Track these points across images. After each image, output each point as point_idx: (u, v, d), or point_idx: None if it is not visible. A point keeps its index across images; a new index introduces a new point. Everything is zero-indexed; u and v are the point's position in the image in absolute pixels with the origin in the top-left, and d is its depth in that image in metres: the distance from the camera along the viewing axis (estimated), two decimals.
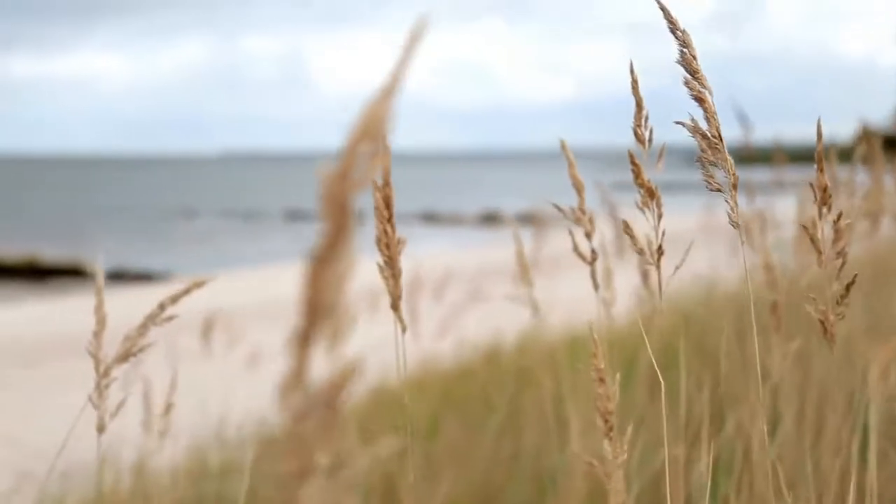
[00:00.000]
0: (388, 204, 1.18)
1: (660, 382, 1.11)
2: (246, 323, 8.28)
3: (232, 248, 29.02)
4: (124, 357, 1.38)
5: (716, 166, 1.14)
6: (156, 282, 20.62)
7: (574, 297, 5.11)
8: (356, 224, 0.47)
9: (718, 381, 1.96)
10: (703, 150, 1.14)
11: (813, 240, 1.23)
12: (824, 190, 1.25)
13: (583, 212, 1.35)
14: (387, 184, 1.18)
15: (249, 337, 7.56)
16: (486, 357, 5.99)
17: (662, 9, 1.15)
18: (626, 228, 1.19)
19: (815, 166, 1.25)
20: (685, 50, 1.14)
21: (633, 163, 1.17)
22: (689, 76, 1.14)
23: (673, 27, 1.14)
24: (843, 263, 1.20)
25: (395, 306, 1.22)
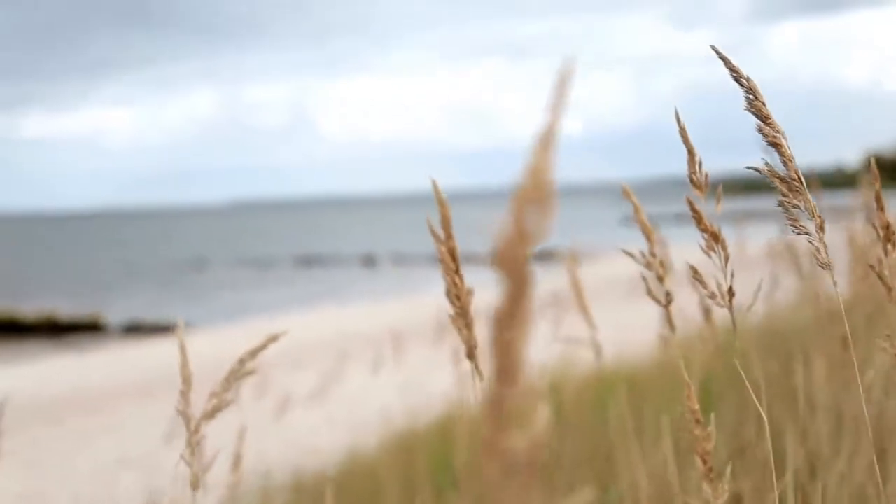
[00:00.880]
0: (453, 256, 1.19)
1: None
2: (271, 371, 8.26)
3: (246, 297, 29.05)
4: (212, 413, 1.37)
5: (798, 209, 1.14)
6: (172, 333, 20.62)
7: (601, 330, 5.08)
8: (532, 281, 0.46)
9: (795, 418, 1.93)
10: (783, 195, 1.14)
11: (881, 277, 1.22)
12: (887, 227, 1.25)
13: (654, 255, 1.34)
14: (450, 236, 1.19)
15: (277, 385, 7.54)
16: None
17: (723, 59, 1.15)
18: (695, 274, 1.19)
19: (876, 205, 1.25)
20: (752, 97, 1.14)
21: (693, 209, 1.18)
22: (761, 122, 1.14)
23: (737, 76, 1.15)
24: None
25: (470, 355, 1.21)
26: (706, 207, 1.21)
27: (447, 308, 1.25)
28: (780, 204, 1.13)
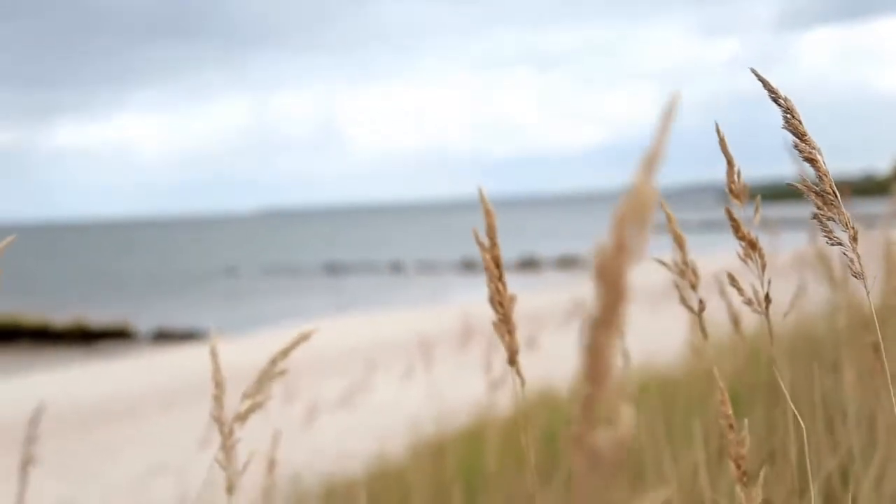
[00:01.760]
0: (497, 263, 1.22)
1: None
2: (300, 378, 8.30)
3: (275, 305, 29.21)
4: (246, 415, 1.39)
5: (834, 221, 1.17)
6: (201, 341, 20.79)
7: (635, 336, 5.07)
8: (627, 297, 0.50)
9: (828, 424, 1.92)
10: (818, 208, 1.17)
11: None
12: None
13: (686, 264, 1.36)
14: (494, 244, 1.22)
15: (305, 392, 7.58)
16: (543, 403, 5.94)
17: (761, 80, 1.18)
18: (733, 281, 1.21)
19: None
20: (790, 116, 1.17)
21: (731, 218, 1.20)
22: (797, 139, 1.17)
23: (775, 96, 1.18)
24: None
25: (511, 361, 1.24)
26: (743, 215, 1.23)
27: (488, 314, 1.28)
28: (815, 217, 1.16)
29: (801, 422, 1.07)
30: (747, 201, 1.26)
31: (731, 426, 1.05)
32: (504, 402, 6.06)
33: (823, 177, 1.16)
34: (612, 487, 0.45)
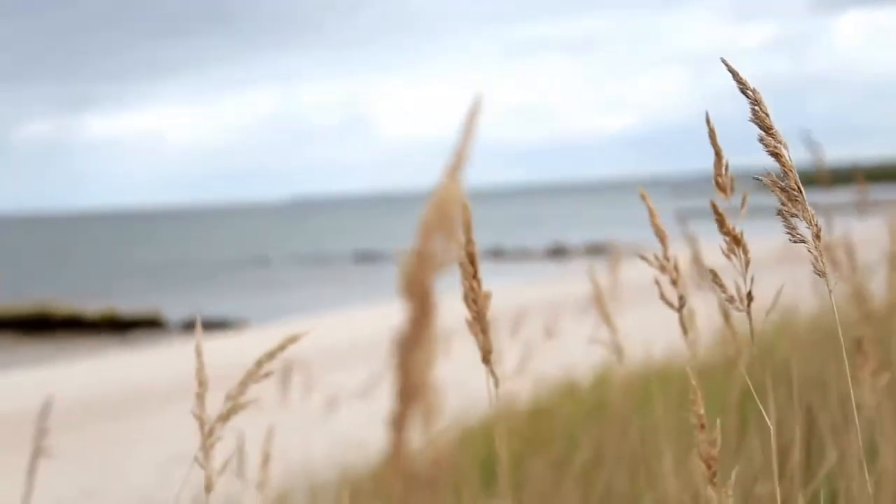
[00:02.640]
0: (472, 261, 1.20)
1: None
2: (322, 369, 8.32)
3: (305, 294, 29.34)
4: (227, 416, 1.39)
5: (797, 217, 1.15)
6: (232, 330, 20.95)
7: (647, 329, 5.05)
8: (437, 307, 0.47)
9: (809, 415, 1.90)
10: (783, 203, 1.15)
11: None
12: None
13: (667, 259, 1.34)
14: (470, 241, 1.19)
15: (325, 383, 7.60)
16: (564, 395, 5.93)
17: (732, 71, 1.17)
18: (715, 278, 1.20)
19: None
20: (757, 108, 1.15)
21: (716, 212, 1.18)
22: (763, 133, 1.15)
23: (743, 88, 1.16)
24: None
25: (486, 360, 1.23)
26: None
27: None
28: (780, 213, 1.14)
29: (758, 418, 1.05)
30: (733, 194, 1.24)
31: (702, 426, 1.03)
32: (523, 391, 6.05)
33: (788, 172, 1.14)
34: None
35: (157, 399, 10.87)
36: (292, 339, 1.47)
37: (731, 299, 1.19)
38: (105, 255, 58.35)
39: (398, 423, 0.45)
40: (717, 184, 1.21)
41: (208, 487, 1.35)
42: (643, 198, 1.40)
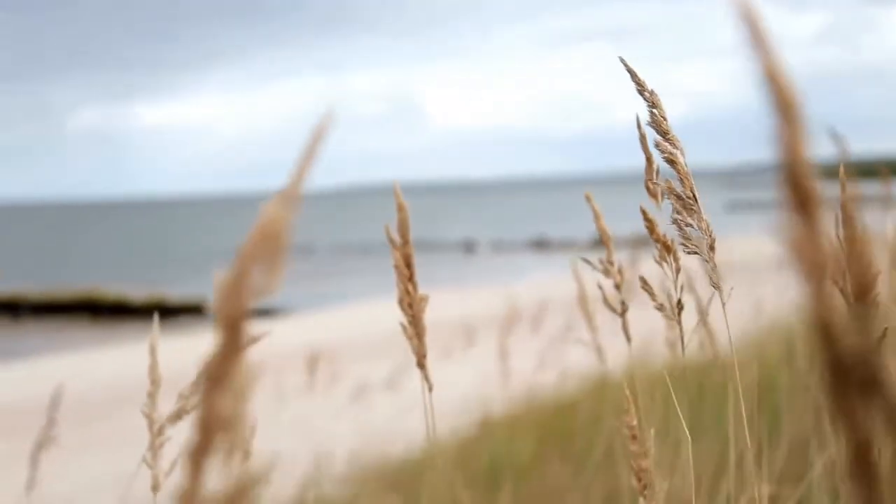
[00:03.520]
0: (408, 263, 1.18)
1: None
2: (352, 358, 8.37)
3: (348, 282, 29.50)
4: (178, 416, 1.38)
5: (692, 227, 1.11)
6: (276, 317, 21.12)
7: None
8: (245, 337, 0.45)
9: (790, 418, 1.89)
10: (677, 212, 1.11)
11: None
12: None
13: (611, 263, 1.33)
14: (406, 242, 1.17)
15: (353, 372, 7.64)
16: (593, 388, 5.91)
17: (630, 72, 1.13)
18: (644, 284, 1.18)
19: None
20: (654, 111, 1.12)
21: (645, 218, 1.16)
22: (659, 138, 1.12)
23: (641, 89, 1.13)
24: None
25: (420, 364, 1.21)
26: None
27: (402, 320, 1.21)
28: (674, 222, 1.11)
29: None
30: (663, 201, 1.21)
31: (633, 437, 1.03)
32: (544, 386, 6.03)
33: (684, 179, 1.10)
34: None
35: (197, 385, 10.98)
36: (255, 340, 1.45)
37: (660, 307, 1.16)
38: (153, 242, 59.14)
39: (196, 457, 0.42)
40: (648, 189, 1.17)
41: (155, 487, 1.35)
42: (587, 199, 1.37)
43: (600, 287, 1.32)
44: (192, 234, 66.62)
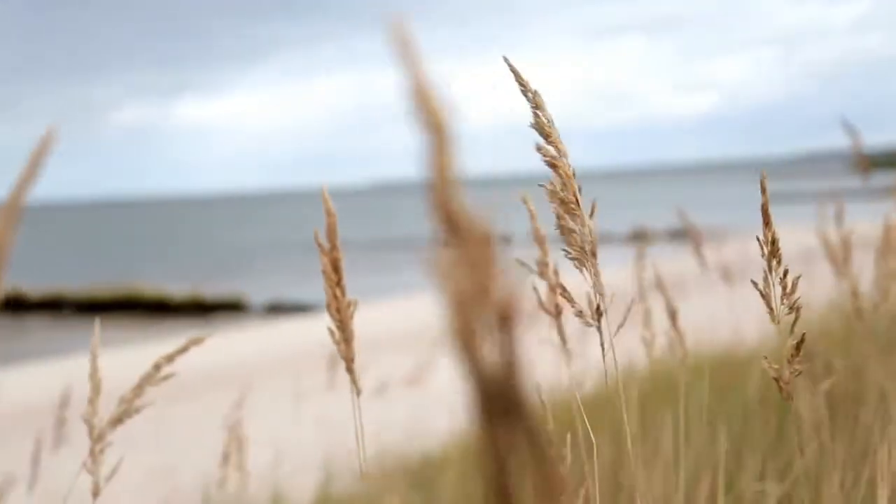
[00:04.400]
0: (336, 268, 1.15)
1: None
2: (376, 355, 8.41)
3: (379, 278, 29.58)
4: (118, 420, 1.34)
5: (574, 232, 1.07)
6: (310, 313, 21.27)
7: (706, 318, 5.01)
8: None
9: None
10: (559, 217, 1.07)
11: None
12: None
13: (546, 265, 1.29)
14: (334, 247, 1.14)
15: (378, 368, 7.70)
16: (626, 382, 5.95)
17: (513, 71, 1.08)
18: (564, 292, 1.17)
19: None
20: (538, 113, 1.07)
21: (561, 226, 1.12)
22: (542, 141, 1.07)
23: (524, 89, 1.08)
24: None
25: (349, 369, 1.16)
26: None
27: (330, 324, 1.16)
28: (558, 226, 1.08)
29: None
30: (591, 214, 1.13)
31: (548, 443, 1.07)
32: (586, 380, 6.07)
33: (567, 183, 1.06)
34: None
35: (234, 380, 11.16)
36: (194, 342, 1.42)
37: (579, 313, 1.13)
38: (192, 238, 59.60)
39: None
40: (560, 199, 1.11)
41: (95, 492, 1.30)
42: (524, 202, 1.32)
43: (535, 288, 1.30)
44: (229, 231, 67.01)
